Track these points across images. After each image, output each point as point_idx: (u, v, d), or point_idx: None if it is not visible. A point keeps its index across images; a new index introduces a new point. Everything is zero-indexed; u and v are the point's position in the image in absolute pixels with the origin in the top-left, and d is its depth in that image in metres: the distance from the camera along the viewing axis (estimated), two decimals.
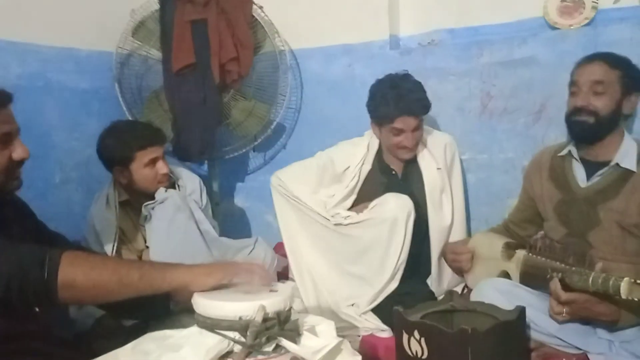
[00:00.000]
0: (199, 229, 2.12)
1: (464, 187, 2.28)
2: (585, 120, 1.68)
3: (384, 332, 1.89)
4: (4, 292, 1.09)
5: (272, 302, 1.08)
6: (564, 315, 1.52)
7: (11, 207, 1.36)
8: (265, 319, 1.04)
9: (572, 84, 1.74)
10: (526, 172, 1.96)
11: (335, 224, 2.08)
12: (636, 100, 1.70)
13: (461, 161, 2.28)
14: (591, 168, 1.74)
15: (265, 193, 2.42)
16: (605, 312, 1.50)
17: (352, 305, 2.00)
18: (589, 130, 1.69)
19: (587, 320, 1.58)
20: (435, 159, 2.14)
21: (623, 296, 1.37)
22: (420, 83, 2.07)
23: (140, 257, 2.12)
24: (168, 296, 1.24)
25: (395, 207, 1.99)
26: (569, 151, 1.79)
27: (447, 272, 2.09)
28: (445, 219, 2.10)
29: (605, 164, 1.70)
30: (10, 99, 1.27)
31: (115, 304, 1.22)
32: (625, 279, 1.38)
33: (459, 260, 1.96)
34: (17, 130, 1.29)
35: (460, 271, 2.00)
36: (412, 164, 2.15)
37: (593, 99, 1.67)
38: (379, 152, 2.18)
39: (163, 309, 1.43)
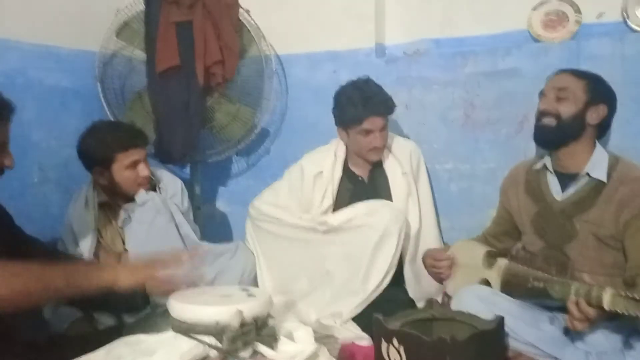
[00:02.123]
0: (179, 233, 2.10)
1: (432, 193, 2.31)
2: (548, 123, 1.73)
3: (364, 341, 1.88)
4: None
5: (249, 306, 1.07)
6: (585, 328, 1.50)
7: None
8: (242, 324, 1.03)
9: (540, 94, 1.80)
10: (502, 186, 1.98)
11: (325, 231, 2.10)
12: (603, 112, 1.73)
13: (428, 170, 2.32)
14: (565, 180, 1.76)
15: (248, 198, 2.41)
16: None
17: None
18: (551, 134, 1.73)
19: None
20: (400, 164, 2.19)
21: (606, 307, 1.38)
22: (381, 86, 2.15)
23: (119, 260, 2.09)
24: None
25: (389, 218, 2.02)
26: (544, 164, 1.82)
27: (425, 278, 2.08)
28: (412, 223, 2.13)
29: (578, 175, 1.73)
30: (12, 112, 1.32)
31: (91, 302, 1.21)
32: (609, 290, 1.39)
33: (439, 267, 1.95)
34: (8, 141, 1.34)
35: (439, 279, 2.00)
36: (377, 170, 2.20)
37: (556, 103, 1.73)
38: (345, 160, 2.23)
39: (143, 302, 1.42)
